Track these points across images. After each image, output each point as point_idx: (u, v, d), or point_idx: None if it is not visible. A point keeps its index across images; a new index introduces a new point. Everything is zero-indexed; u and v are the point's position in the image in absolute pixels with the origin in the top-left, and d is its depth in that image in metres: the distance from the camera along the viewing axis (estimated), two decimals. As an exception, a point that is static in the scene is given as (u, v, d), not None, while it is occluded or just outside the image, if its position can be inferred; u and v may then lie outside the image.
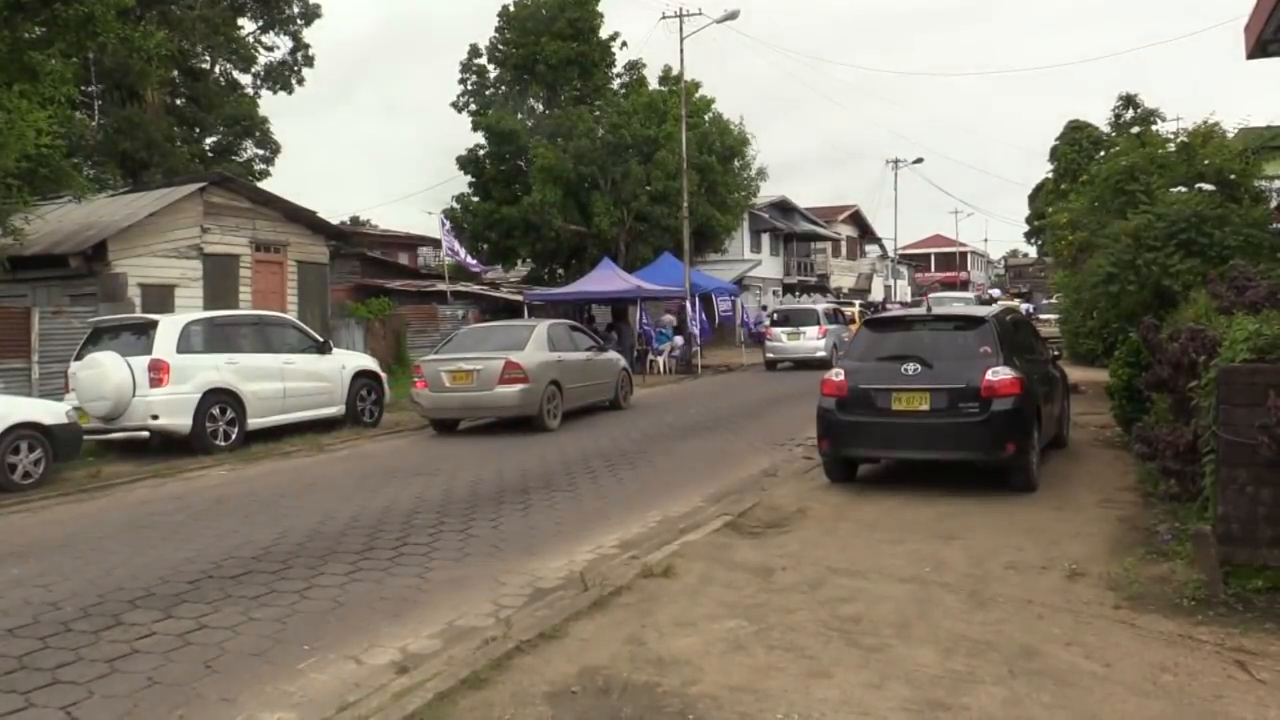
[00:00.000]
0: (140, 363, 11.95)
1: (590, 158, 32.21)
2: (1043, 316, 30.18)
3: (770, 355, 26.02)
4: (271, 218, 20.35)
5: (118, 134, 27.61)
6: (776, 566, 6.34)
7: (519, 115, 36.16)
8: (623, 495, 9.33)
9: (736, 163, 35.46)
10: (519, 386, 13.82)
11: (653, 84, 36.85)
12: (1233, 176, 11.63)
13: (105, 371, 11.79)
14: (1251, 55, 9.18)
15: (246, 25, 32.78)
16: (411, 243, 40.43)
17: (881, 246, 66.98)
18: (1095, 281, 11.08)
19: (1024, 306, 33.56)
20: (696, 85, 33.85)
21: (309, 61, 33.88)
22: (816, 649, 4.82)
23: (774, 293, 48.80)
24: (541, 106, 37.57)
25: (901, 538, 7.01)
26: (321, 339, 14.95)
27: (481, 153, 36.28)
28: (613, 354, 17.57)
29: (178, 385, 12.14)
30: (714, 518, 7.85)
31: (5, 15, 13.52)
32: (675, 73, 34.63)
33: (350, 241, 26.87)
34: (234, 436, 12.67)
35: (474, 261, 29.13)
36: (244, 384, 12.87)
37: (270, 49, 33.47)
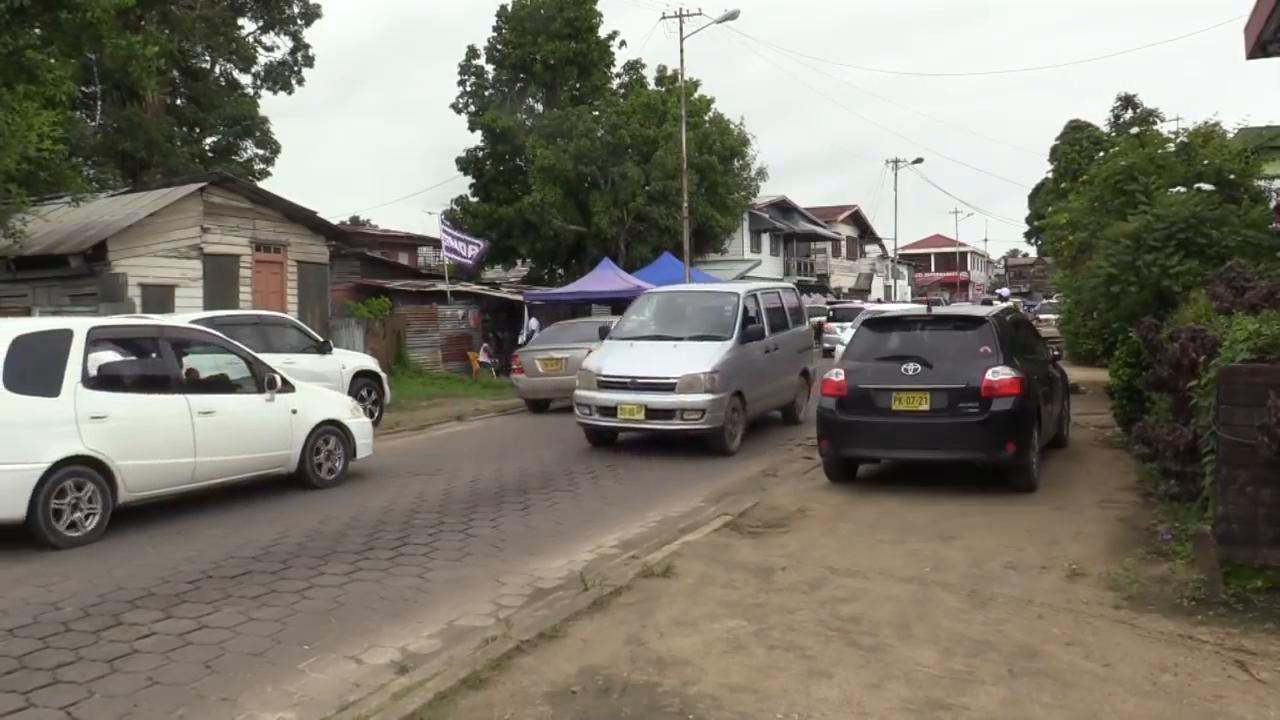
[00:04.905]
0: (140, 363, 11.91)
1: (590, 157, 32.18)
2: (1042, 316, 30.22)
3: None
4: (271, 218, 20.32)
5: (118, 134, 27.55)
6: (776, 566, 6.34)
7: (518, 115, 36.13)
8: (622, 495, 9.33)
9: (736, 163, 35.43)
10: None
11: (651, 84, 36.83)
12: (1232, 176, 11.62)
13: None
14: (1251, 55, 9.17)
15: (246, 25, 32.72)
16: (411, 243, 40.34)
17: (881, 246, 66.93)
18: (1095, 283, 11.08)
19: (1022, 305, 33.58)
20: (696, 84, 33.85)
21: (309, 62, 33.82)
22: (816, 649, 4.82)
23: (774, 293, 48.68)
24: (540, 106, 37.56)
25: (901, 538, 7.02)
26: (321, 339, 14.95)
27: (481, 153, 36.25)
28: None
29: (178, 385, 12.10)
30: (714, 518, 7.85)
31: (6, 20, 13.48)
32: (670, 72, 34.70)
33: (350, 241, 26.80)
34: (234, 436, 12.63)
35: (477, 245, 27.96)
36: (244, 384, 12.85)
37: (270, 49, 33.39)
